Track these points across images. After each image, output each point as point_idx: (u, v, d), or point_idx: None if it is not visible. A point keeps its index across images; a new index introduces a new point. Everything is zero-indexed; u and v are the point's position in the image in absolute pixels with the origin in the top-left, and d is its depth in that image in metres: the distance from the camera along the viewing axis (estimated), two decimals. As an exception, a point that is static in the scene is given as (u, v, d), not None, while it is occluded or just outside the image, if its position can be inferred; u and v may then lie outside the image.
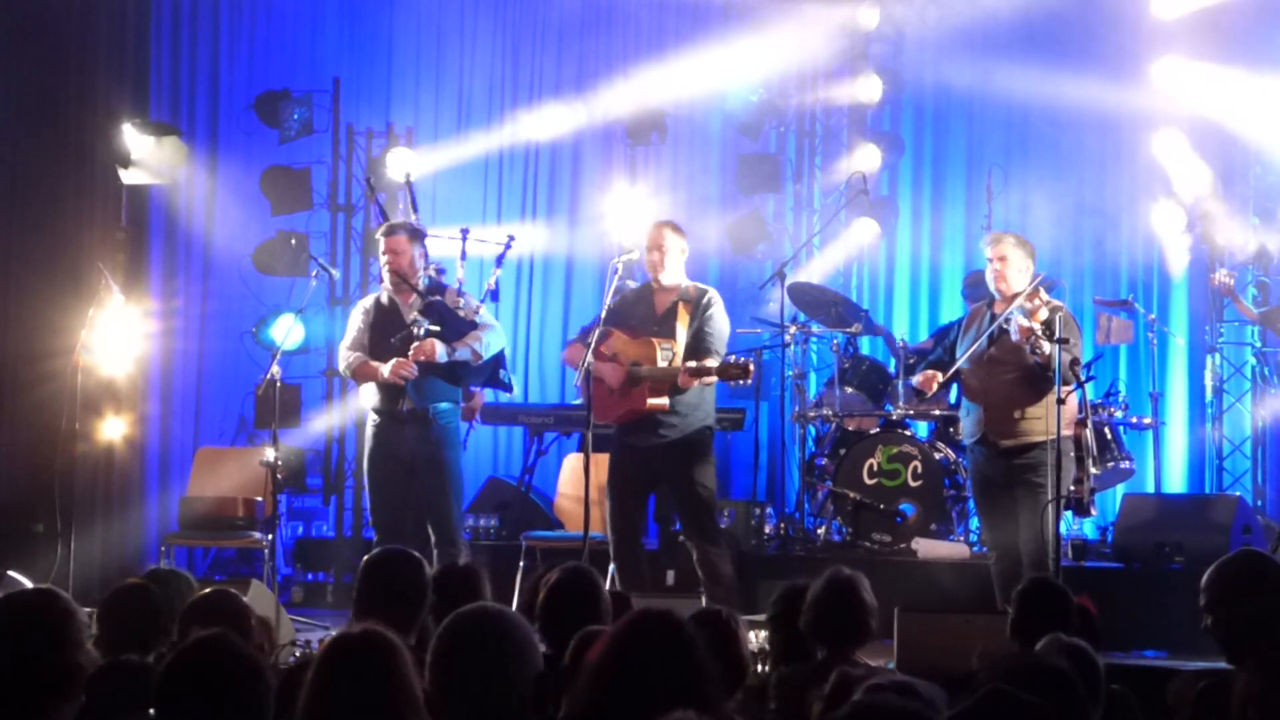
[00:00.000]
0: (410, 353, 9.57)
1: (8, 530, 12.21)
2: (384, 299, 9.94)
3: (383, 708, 3.79)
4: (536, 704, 3.75)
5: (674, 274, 9.74)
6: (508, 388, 10.49)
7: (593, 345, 9.49)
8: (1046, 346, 8.78)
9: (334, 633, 4.26)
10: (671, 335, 9.56)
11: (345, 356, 9.90)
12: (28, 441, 12.64)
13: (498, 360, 10.07)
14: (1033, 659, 4.31)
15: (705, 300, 9.69)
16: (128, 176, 12.92)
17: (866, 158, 13.68)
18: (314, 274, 11.86)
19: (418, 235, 9.97)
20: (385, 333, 9.78)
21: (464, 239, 11.10)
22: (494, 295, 10.89)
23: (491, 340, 9.86)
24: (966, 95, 13.97)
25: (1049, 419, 8.90)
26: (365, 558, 6.18)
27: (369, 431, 9.90)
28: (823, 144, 14.76)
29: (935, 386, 9.41)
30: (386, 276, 9.90)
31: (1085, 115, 13.02)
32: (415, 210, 12.31)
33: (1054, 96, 12.94)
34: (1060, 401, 8.76)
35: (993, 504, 9.43)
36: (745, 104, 14.17)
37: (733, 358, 9.42)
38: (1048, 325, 8.78)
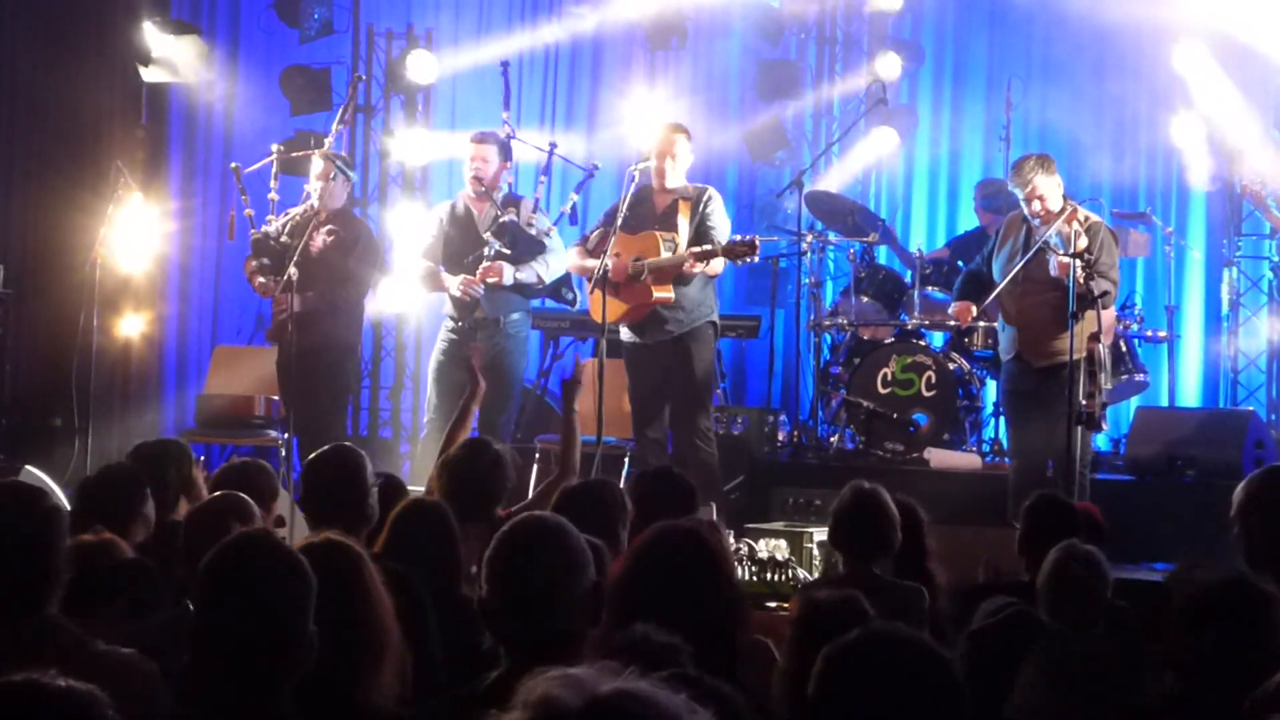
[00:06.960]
0: (479, 272, 9.92)
1: (26, 424, 12.32)
2: (459, 207, 10.30)
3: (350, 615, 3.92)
4: (593, 615, 3.77)
5: (677, 178, 9.92)
6: (570, 304, 10.96)
7: (607, 250, 9.54)
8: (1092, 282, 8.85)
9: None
10: (673, 229, 9.72)
11: (418, 265, 10.33)
12: (47, 337, 12.72)
13: (562, 279, 10.49)
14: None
15: (705, 197, 9.90)
16: (148, 75, 12.93)
17: (887, 66, 13.56)
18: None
19: (507, 151, 10.31)
20: (458, 241, 10.16)
21: (550, 154, 11.01)
22: (573, 219, 10.95)
23: (556, 265, 10.20)
24: (988, 4, 13.90)
25: (1081, 338, 8.97)
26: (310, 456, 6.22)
27: (441, 335, 10.25)
28: (843, 51, 14.66)
29: (970, 318, 9.74)
30: (469, 183, 10.20)
31: (1106, 26, 12.91)
32: (506, 106, 11.97)
33: (1075, 6, 12.86)
34: (1074, 317, 8.79)
35: (1021, 415, 9.60)
36: (766, 9, 14.05)
37: (738, 236, 9.58)
38: (1087, 252, 8.81)
